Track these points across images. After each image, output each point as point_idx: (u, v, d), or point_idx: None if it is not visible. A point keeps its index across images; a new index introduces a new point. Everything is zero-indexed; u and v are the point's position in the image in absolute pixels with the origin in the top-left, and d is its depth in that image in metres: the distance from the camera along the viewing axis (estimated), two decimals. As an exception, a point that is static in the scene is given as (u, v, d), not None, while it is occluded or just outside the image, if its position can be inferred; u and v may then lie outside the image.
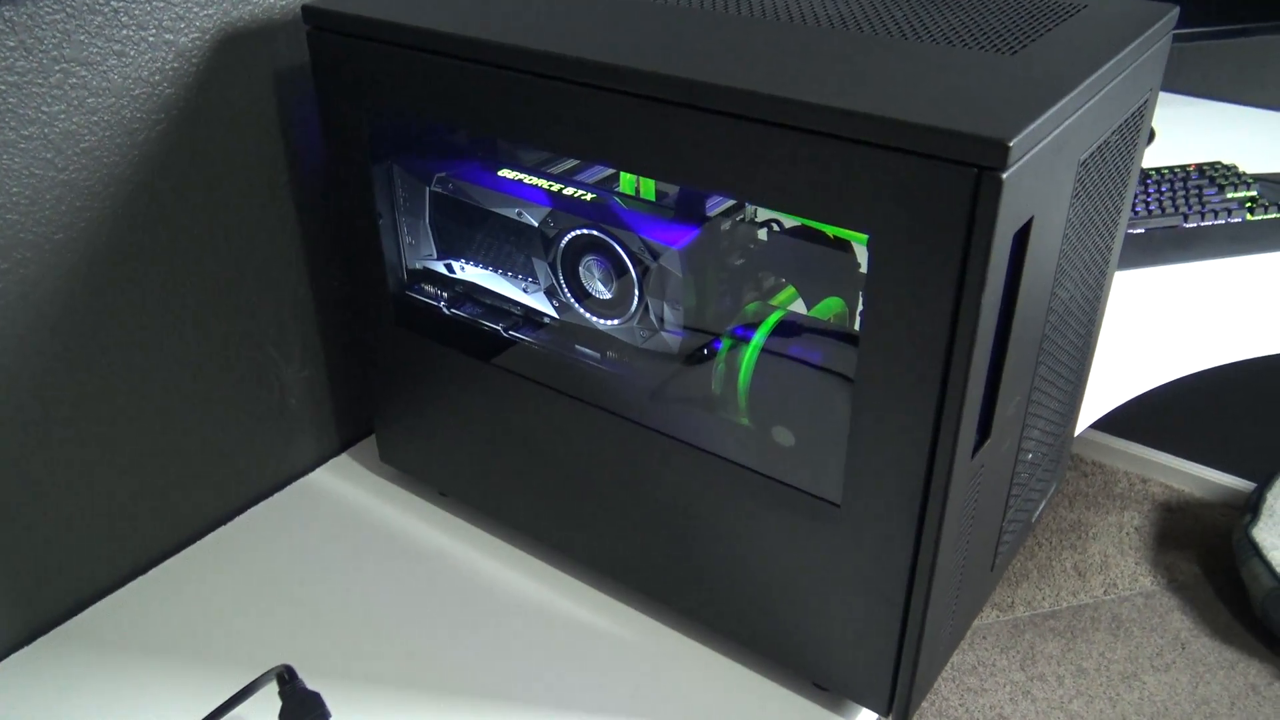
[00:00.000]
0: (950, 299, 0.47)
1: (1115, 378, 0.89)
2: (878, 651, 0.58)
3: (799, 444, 0.59)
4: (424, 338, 0.72)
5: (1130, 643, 1.55)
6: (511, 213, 0.67)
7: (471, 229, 0.70)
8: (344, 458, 0.85)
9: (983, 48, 0.53)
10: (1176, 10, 0.61)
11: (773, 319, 0.60)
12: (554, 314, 0.68)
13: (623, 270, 0.63)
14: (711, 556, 0.64)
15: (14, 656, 0.66)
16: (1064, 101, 0.47)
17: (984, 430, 0.55)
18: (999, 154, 0.43)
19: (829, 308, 0.64)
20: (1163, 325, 0.97)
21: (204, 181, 0.69)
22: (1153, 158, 1.30)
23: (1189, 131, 1.37)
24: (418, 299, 0.74)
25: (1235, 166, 1.19)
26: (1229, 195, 1.15)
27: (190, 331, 0.71)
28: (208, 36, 0.66)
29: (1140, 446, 1.85)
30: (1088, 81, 0.50)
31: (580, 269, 0.65)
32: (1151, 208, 1.14)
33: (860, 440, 0.53)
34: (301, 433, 0.82)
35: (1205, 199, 1.15)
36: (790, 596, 0.61)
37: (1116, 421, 1.86)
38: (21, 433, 0.64)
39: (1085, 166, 0.54)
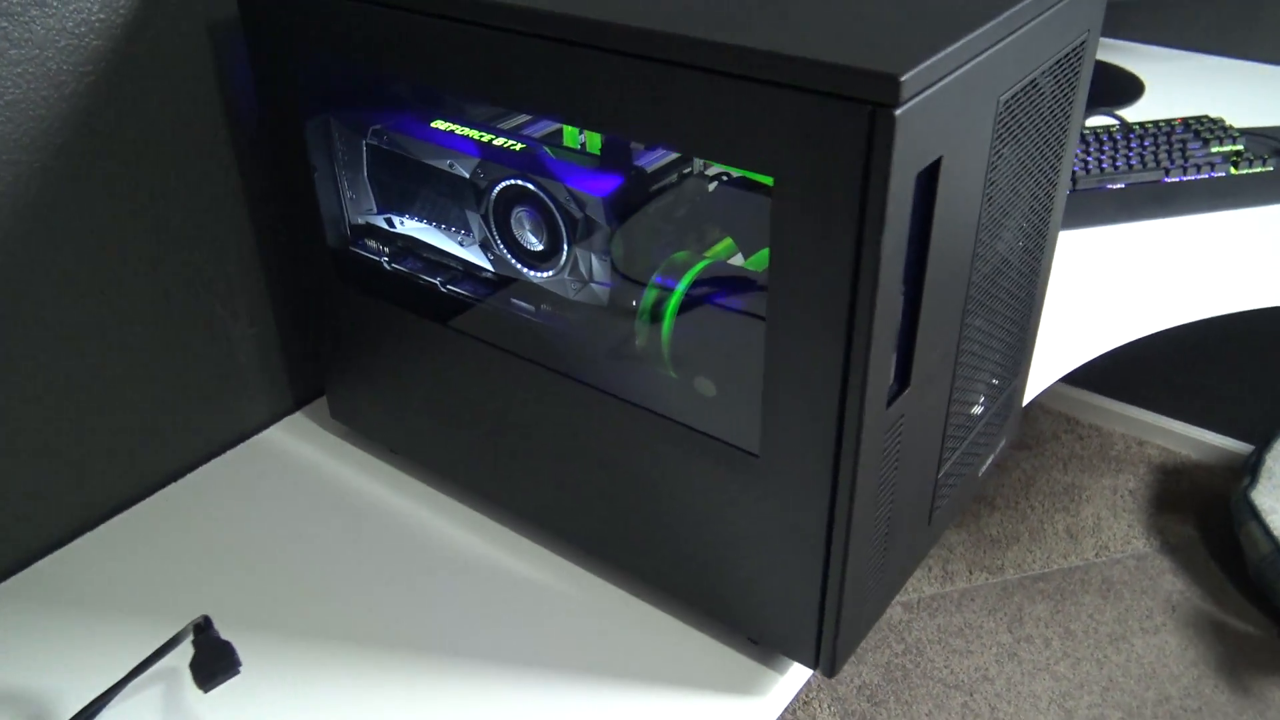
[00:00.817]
0: (851, 242, 0.46)
1: (1090, 333, 0.88)
2: (801, 604, 0.58)
3: (721, 395, 0.58)
4: (364, 294, 0.71)
5: (1120, 605, 1.54)
6: (444, 164, 0.66)
7: (407, 182, 0.69)
8: (298, 415, 0.85)
9: (902, -14, 0.52)
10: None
11: (695, 269, 0.59)
12: (489, 267, 0.68)
13: (551, 221, 0.62)
14: (643, 509, 0.63)
15: (-42, 609, 0.67)
16: (972, 36, 0.46)
17: (903, 379, 0.54)
18: (891, 90, 0.42)
19: (766, 259, 0.63)
20: (1141, 280, 0.95)
21: (138, 135, 0.68)
22: (1139, 112, 1.27)
23: (1178, 85, 1.34)
24: (361, 254, 0.73)
25: (1222, 120, 1.16)
26: (1213, 149, 1.12)
27: (130, 287, 0.71)
28: (135, -13, 0.65)
29: (1137, 409, 1.82)
30: (1003, 16, 0.48)
31: (511, 220, 0.65)
32: (1133, 162, 1.11)
33: (773, 390, 0.52)
34: (252, 390, 0.82)
35: (1189, 153, 1.12)
36: (718, 549, 0.61)
37: (1113, 384, 1.83)
38: (-44, 387, 0.64)
39: (1009, 107, 0.53)
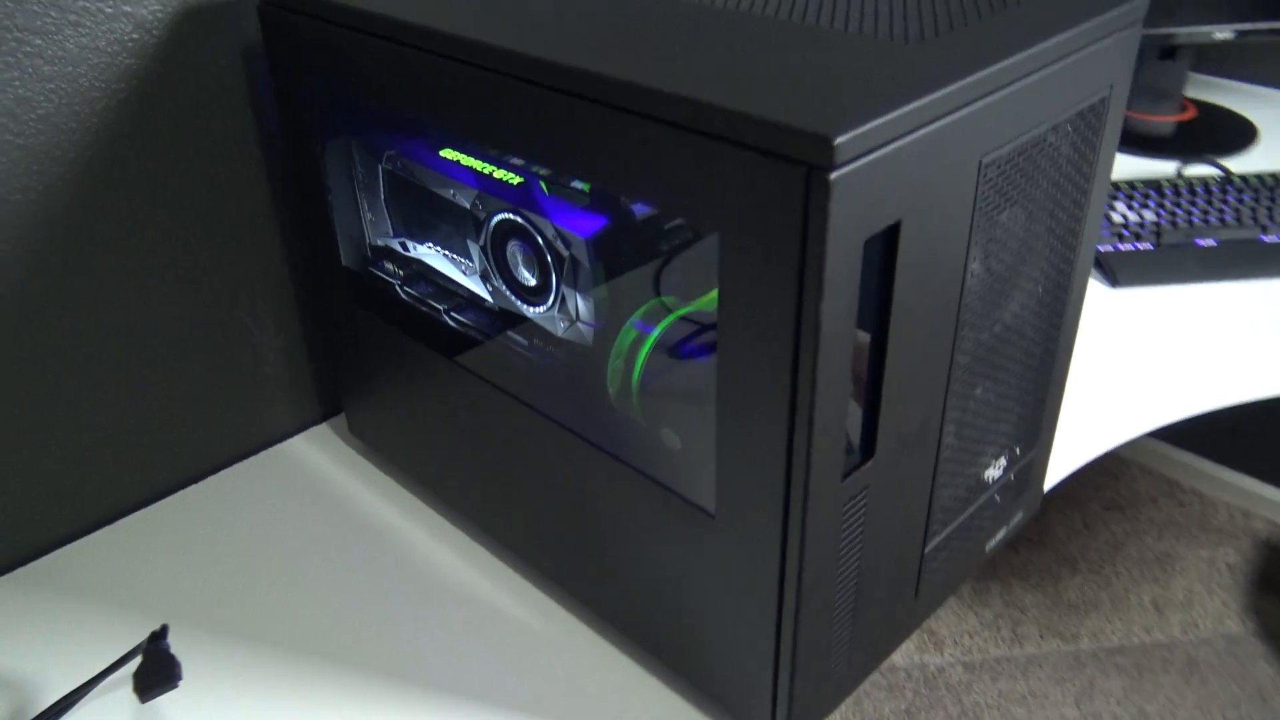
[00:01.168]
0: (791, 309, 0.43)
1: (1165, 397, 0.82)
2: (756, 672, 0.55)
3: (685, 449, 0.57)
4: (375, 315, 0.72)
5: (1203, 689, 1.44)
6: (447, 193, 0.66)
7: (416, 208, 0.70)
8: (323, 427, 0.87)
9: (890, 34, 0.49)
10: (1143, 1, 0.54)
11: (672, 316, 0.57)
12: (489, 299, 0.68)
13: (541, 257, 0.62)
14: (613, 556, 0.62)
15: (-27, 591, 0.71)
16: (932, 98, 0.43)
17: (867, 450, 0.51)
18: (825, 152, 0.39)
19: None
20: (1228, 344, 0.88)
21: (169, 150, 0.71)
22: (1249, 162, 1.18)
23: (1298, 135, 1.25)
24: (376, 276, 0.74)
25: (1336, 176, 1.07)
26: (1324, 208, 1.04)
27: (156, 294, 0.74)
28: (169, 9, 0.67)
29: (1247, 478, 1.70)
30: (977, 76, 0.45)
31: (507, 254, 0.64)
32: (1228, 218, 1.04)
33: (725, 451, 0.50)
34: (277, 400, 0.84)
35: (1292, 211, 1.04)
36: (679, 605, 0.59)
37: (1222, 448, 1.71)
38: (-20, 382, 0.68)
39: (999, 169, 0.49)
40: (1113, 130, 0.58)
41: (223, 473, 0.81)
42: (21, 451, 0.71)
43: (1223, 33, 1.18)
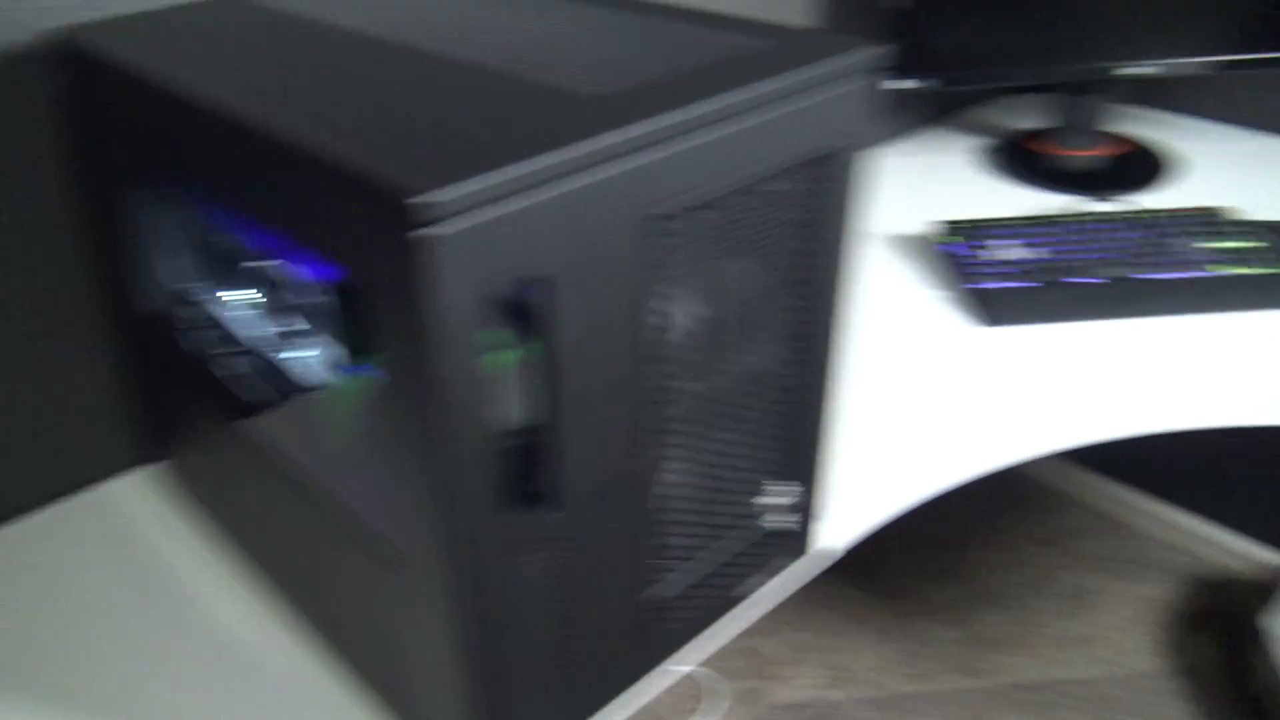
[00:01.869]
0: (417, 359, 0.43)
1: (1020, 434, 0.83)
2: (452, 705, 0.54)
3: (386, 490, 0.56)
4: (160, 361, 0.72)
5: (1113, 729, 1.41)
6: (228, 238, 0.66)
7: (204, 254, 0.69)
8: (143, 471, 0.85)
9: (577, 88, 0.48)
10: (880, 51, 0.53)
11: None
12: (257, 343, 0.67)
13: (297, 302, 0.61)
14: (337, 590, 0.61)
15: None
16: (574, 153, 0.42)
17: (553, 495, 0.50)
18: (398, 213, 0.39)
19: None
20: (1100, 382, 0.89)
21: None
22: (1170, 198, 1.17)
23: (1224, 168, 1.24)
24: (169, 321, 0.73)
25: (1223, 213, 1.05)
26: (1198, 244, 1.02)
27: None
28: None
29: (1175, 510, 1.67)
30: (637, 131, 0.44)
31: (270, 298, 0.64)
32: (1125, 255, 1.03)
33: (401, 494, 0.49)
34: (94, 442, 0.83)
35: (1165, 247, 1.02)
36: (393, 650, 0.58)
37: (1149, 479, 1.68)
38: None
39: (683, 221, 0.48)
40: (849, 181, 0.57)
41: (38, 514, 0.80)
42: None
43: (1139, 68, 1.18)
